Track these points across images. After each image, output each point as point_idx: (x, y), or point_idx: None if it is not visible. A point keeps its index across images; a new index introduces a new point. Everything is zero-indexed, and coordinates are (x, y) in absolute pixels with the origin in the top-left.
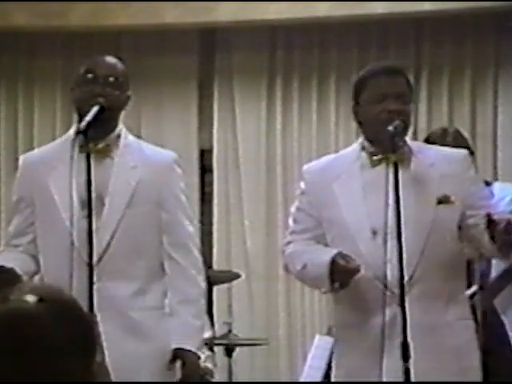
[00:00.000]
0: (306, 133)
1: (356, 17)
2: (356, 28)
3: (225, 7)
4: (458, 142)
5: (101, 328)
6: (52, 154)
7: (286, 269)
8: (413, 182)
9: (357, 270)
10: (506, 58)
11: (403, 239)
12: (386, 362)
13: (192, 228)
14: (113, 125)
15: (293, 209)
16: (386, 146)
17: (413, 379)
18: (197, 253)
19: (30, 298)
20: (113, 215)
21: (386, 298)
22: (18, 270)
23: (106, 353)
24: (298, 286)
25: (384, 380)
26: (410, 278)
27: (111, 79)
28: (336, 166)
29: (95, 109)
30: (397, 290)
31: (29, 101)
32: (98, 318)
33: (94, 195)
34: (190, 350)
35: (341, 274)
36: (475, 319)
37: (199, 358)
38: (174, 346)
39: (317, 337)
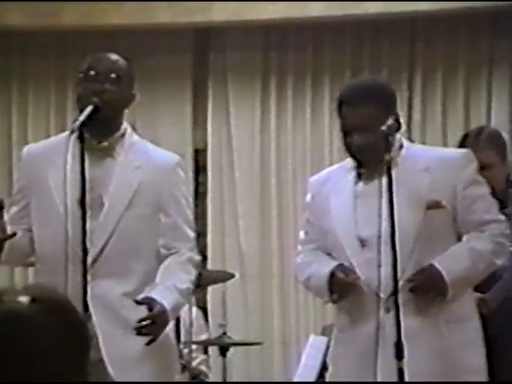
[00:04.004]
0: (299, 132)
1: (350, 17)
2: (350, 28)
3: (219, 7)
4: (492, 142)
5: (96, 325)
6: (54, 148)
7: (296, 278)
8: (402, 188)
9: (354, 284)
10: (500, 57)
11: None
12: (380, 365)
13: (191, 233)
14: (117, 123)
15: (302, 220)
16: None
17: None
18: (192, 256)
19: (23, 299)
20: (111, 216)
21: (376, 302)
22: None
23: (103, 351)
24: (292, 285)
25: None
26: (398, 282)
27: (112, 75)
28: (334, 177)
29: (89, 108)
30: (383, 295)
31: (22, 101)
32: (93, 316)
33: (93, 194)
34: (159, 302)
35: (339, 287)
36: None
37: (165, 311)
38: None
39: (311, 336)
